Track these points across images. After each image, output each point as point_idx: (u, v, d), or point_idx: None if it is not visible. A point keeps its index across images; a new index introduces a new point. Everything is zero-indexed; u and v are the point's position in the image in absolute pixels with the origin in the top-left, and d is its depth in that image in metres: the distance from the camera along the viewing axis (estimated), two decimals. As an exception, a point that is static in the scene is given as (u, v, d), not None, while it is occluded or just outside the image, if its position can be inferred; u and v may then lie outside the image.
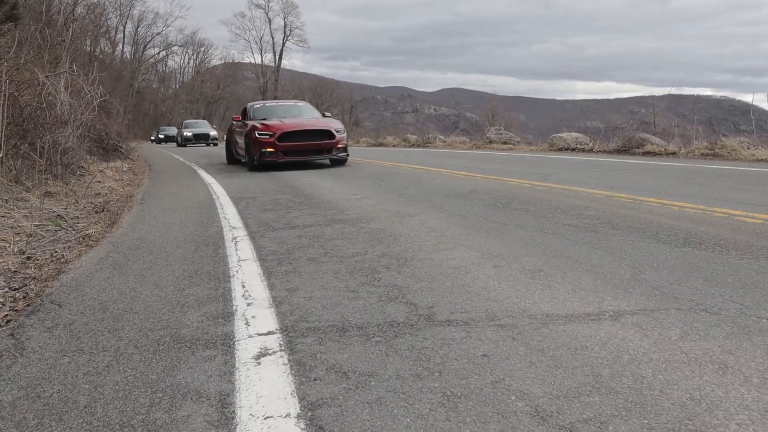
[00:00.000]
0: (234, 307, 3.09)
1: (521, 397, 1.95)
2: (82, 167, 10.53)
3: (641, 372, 2.11)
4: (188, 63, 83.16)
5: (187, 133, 36.42)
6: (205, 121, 44.45)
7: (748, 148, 13.06)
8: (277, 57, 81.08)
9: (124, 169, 12.93)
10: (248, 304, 3.12)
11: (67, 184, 8.36)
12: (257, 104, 14.83)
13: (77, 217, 6.32)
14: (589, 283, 3.22)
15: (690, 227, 4.63)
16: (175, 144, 40.03)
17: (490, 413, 1.86)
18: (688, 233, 4.40)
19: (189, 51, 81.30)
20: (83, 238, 5.17)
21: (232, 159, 14.75)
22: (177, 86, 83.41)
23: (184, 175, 12.22)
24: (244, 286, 3.46)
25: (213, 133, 38.04)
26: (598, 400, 1.92)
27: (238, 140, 13.68)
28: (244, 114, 13.97)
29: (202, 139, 36.69)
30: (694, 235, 4.32)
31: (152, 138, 50.94)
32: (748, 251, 3.81)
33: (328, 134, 12.12)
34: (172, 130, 49.90)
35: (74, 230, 5.59)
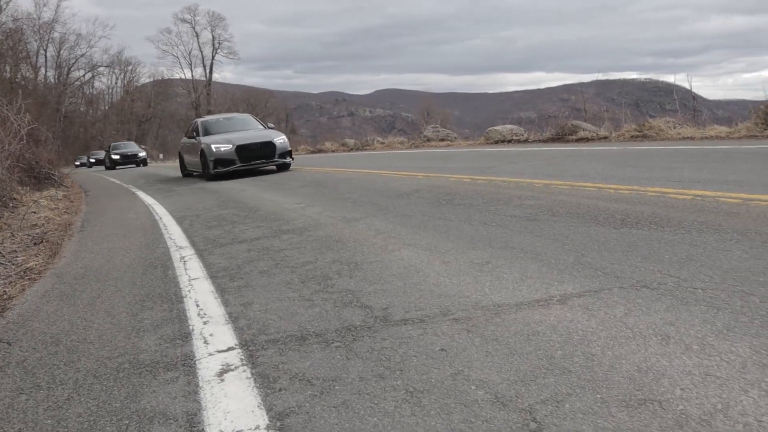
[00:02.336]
0: (191, 327, 3.08)
1: (481, 386, 2.03)
2: (15, 199, 10.20)
3: (591, 350, 2.22)
4: (116, 83, 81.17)
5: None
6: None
7: (674, 128, 13.59)
8: (208, 71, 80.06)
9: (59, 196, 12.58)
10: (204, 323, 3.12)
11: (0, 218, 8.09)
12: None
13: (15, 251, 6.14)
14: (536, 271, 3.34)
15: (626, 208, 4.82)
16: (102, 168, 40.20)
17: (453, 404, 1.93)
18: (625, 214, 4.59)
19: (116, 71, 79.34)
20: (24, 272, 5.04)
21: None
22: (106, 107, 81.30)
23: (123, 197, 11.98)
24: (198, 305, 3.46)
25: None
26: (553, 380, 2.01)
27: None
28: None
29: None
30: (631, 215, 4.51)
31: (77, 163, 51.04)
32: (681, 226, 4.00)
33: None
34: (101, 154, 49.73)
35: (14, 265, 5.44)
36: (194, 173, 15.43)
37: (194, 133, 15.08)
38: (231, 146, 13.36)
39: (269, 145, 13.71)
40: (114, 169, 34.57)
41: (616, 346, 2.23)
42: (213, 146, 13.50)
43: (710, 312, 2.46)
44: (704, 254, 3.30)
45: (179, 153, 17.33)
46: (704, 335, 2.24)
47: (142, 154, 38.86)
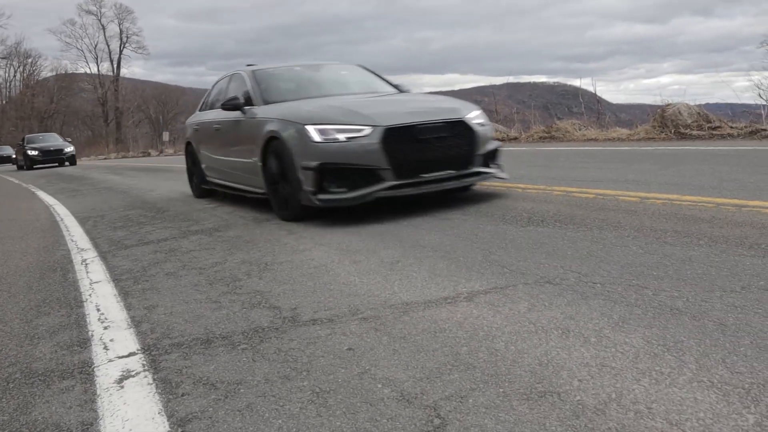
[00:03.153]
0: (90, 333, 2.95)
1: (387, 384, 2.03)
2: None
3: (495, 346, 2.26)
4: (14, 76, 76.75)
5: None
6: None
7: (580, 129, 14.15)
8: (115, 66, 76.93)
9: (-49, 197, 11.83)
10: (105, 328, 2.99)
11: None
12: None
13: None
14: (444, 269, 3.38)
15: (533, 207, 4.97)
16: (13, 167, 33.48)
17: (359, 403, 1.93)
18: (531, 213, 4.72)
19: (14, 63, 75.09)
20: None
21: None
22: (3, 102, 76.93)
23: (21, 198, 11.38)
24: (99, 310, 3.31)
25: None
26: (458, 376, 2.03)
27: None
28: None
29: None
30: (537, 214, 4.64)
31: None
32: (583, 224, 4.15)
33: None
34: (6, 150, 44.62)
35: None
36: (233, 192, 6.96)
37: (236, 98, 6.44)
38: (369, 128, 5.02)
39: (459, 130, 5.35)
40: (31, 169, 27.95)
41: (519, 341, 2.28)
42: (312, 129, 5.13)
43: (607, 305, 2.56)
44: (604, 250, 3.44)
45: (187, 146, 8.66)
46: (601, 328, 2.33)
47: (69, 148, 30.69)
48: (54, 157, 29.66)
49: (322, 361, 2.28)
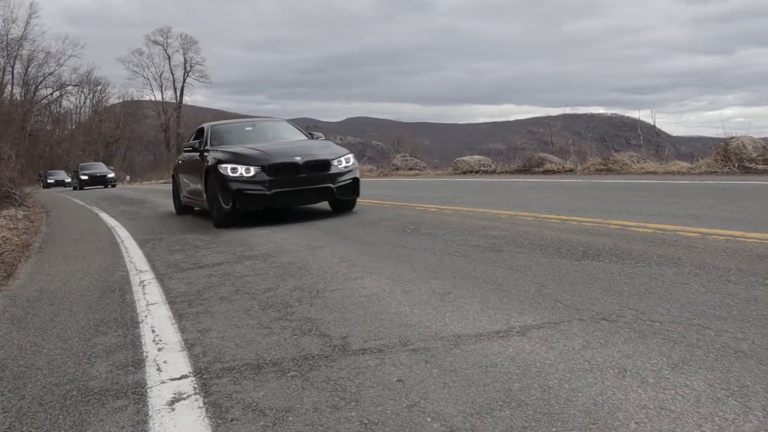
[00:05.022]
0: (144, 354, 3.00)
1: (436, 418, 2.00)
2: (-28, 218, 9.95)
3: (548, 383, 2.20)
4: (84, 102, 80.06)
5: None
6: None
7: (638, 162, 13.85)
8: (179, 93, 79.49)
9: (19, 216, 12.30)
10: (159, 349, 3.04)
11: (-45, 237, 7.87)
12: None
13: (-31, 272, 5.96)
14: (497, 302, 3.33)
15: (589, 240, 4.87)
16: (71, 188, 39.33)
17: (407, 437, 1.90)
18: (587, 246, 4.63)
19: (85, 90, 78.26)
20: (-24, 294, 4.89)
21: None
22: (73, 127, 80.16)
23: (85, 219, 11.77)
24: (154, 331, 3.38)
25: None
26: (509, 413, 1.99)
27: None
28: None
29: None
30: (593, 248, 4.55)
31: (50, 180, 48.65)
32: (641, 259, 4.04)
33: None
34: (61, 174, 48.83)
35: (-34, 285, 5.27)
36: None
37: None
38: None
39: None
40: (82, 189, 34.42)
41: (573, 379, 2.22)
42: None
43: (667, 345, 2.47)
44: (663, 287, 3.33)
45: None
46: (660, 368, 2.25)
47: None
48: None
49: (371, 392, 2.26)
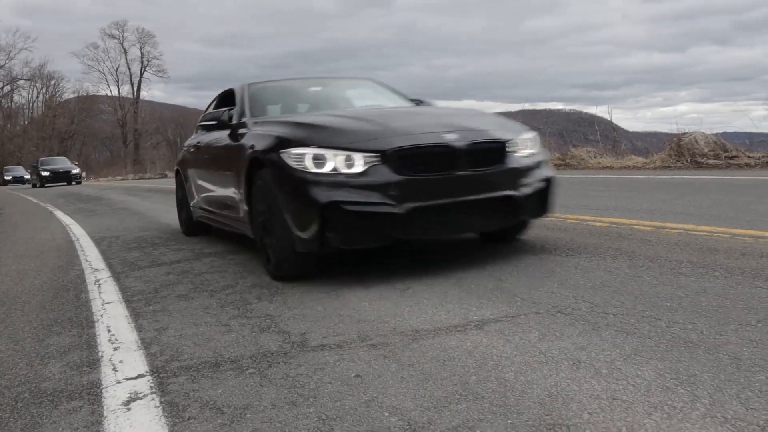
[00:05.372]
0: (100, 353, 2.95)
1: (394, 413, 2.01)
2: None
3: (505, 375, 2.24)
4: (37, 97, 78.03)
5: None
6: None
7: (595, 157, 14.12)
8: (136, 88, 78.09)
9: (-30, 215, 11.97)
10: (115, 349, 2.99)
11: None
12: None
13: None
14: (455, 296, 3.36)
15: (546, 234, 4.94)
16: (28, 186, 38.09)
17: (365, 431, 1.91)
18: (544, 240, 4.70)
19: (37, 85, 76.31)
20: (-76, 295, 4.74)
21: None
22: (26, 122, 78.09)
23: (39, 217, 11.49)
24: (110, 330, 3.32)
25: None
26: (466, 406, 2.01)
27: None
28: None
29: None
30: (550, 242, 4.62)
31: (7, 177, 47.73)
32: (596, 253, 4.12)
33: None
34: (19, 171, 47.27)
35: None
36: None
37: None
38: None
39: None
40: (43, 186, 32.59)
41: (528, 371, 2.25)
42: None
43: (620, 337, 2.53)
44: (617, 280, 3.41)
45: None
46: (613, 359, 2.30)
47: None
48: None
49: (329, 388, 2.26)
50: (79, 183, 35.16)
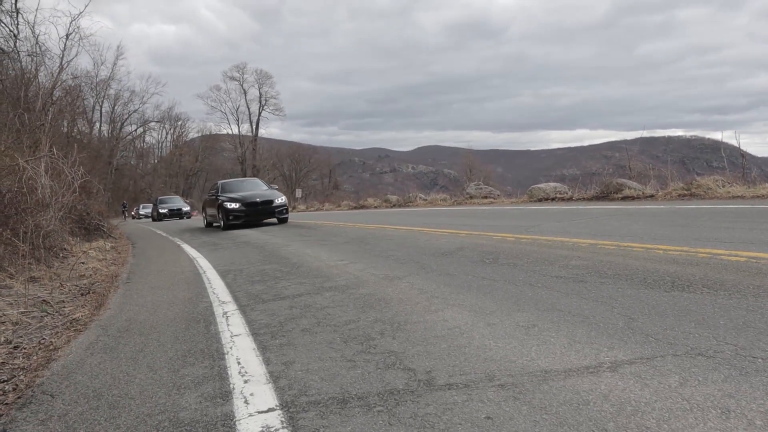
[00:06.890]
0: (231, 385, 3.06)
1: (529, 459, 1.94)
2: (65, 249, 10.46)
3: (645, 423, 2.11)
4: (166, 137, 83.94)
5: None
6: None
7: (723, 186, 13.32)
8: (254, 127, 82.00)
9: (107, 248, 12.86)
10: (245, 381, 3.09)
11: (50, 268, 8.28)
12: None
13: (63, 301, 6.25)
14: (584, 335, 3.23)
15: (676, 270, 4.68)
16: (149, 219, 44.00)
17: (500, 478, 1.85)
18: (675, 276, 4.45)
19: (166, 126, 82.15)
20: (71, 323, 5.11)
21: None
22: (155, 161, 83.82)
23: (169, 250, 12.17)
24: (239, 363, 3.44)
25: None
26: (606, 455, 1.91)
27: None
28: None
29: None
30: (682, 278, 4.37)
31: (142, 212, 54.72)
32: (735, 290, 3.85)
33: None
34: (149, 208, 53.08)
35: (61, 315, 5.53)
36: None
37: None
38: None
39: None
40: (161, 220, 38.50)
41: (672, 419, 2.12)
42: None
43: (772, 384, 2.34)
44: (762, 320, 3.16)
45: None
46: (767, 409, 2.12)
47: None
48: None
49: (459, 429, 2.22)
50: (189, 218, 40.74)
